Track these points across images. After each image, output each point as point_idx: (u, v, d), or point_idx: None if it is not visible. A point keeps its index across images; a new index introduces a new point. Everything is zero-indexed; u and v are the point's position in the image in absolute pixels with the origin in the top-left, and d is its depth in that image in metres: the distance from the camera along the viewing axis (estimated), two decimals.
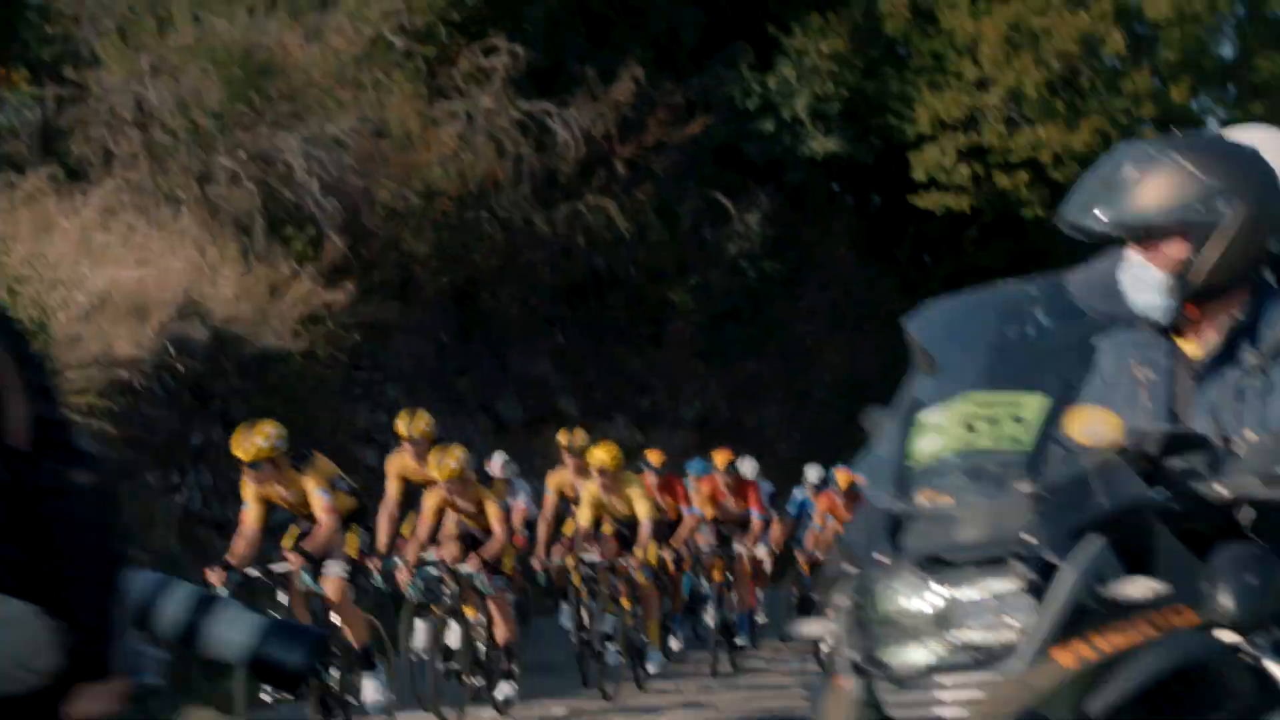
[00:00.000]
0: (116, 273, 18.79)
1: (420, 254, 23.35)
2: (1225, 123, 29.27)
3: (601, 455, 15.67)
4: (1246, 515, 3.98)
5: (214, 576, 12.46)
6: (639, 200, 26.29)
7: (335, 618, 13.19)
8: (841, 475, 19.12)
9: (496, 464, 18.88)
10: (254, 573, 12.77)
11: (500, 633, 14.61)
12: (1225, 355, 4.34)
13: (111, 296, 18.39)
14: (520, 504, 18.35)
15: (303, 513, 13.19)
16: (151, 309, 18.49)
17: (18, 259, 17.20)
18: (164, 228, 20.14)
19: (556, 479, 17.39)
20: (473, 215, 24.31)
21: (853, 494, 18.48)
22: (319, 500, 12.84)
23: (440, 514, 14.73)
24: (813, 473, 21.07)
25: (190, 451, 18.49)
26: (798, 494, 21.05)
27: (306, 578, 12.85)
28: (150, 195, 20.81)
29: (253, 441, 12.76)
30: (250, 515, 13.10)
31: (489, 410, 24.10)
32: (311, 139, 21.99)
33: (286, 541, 13.62)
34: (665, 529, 17.06)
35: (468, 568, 14.19)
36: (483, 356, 24.47)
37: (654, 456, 18.81)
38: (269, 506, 13.24)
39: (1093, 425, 3.91)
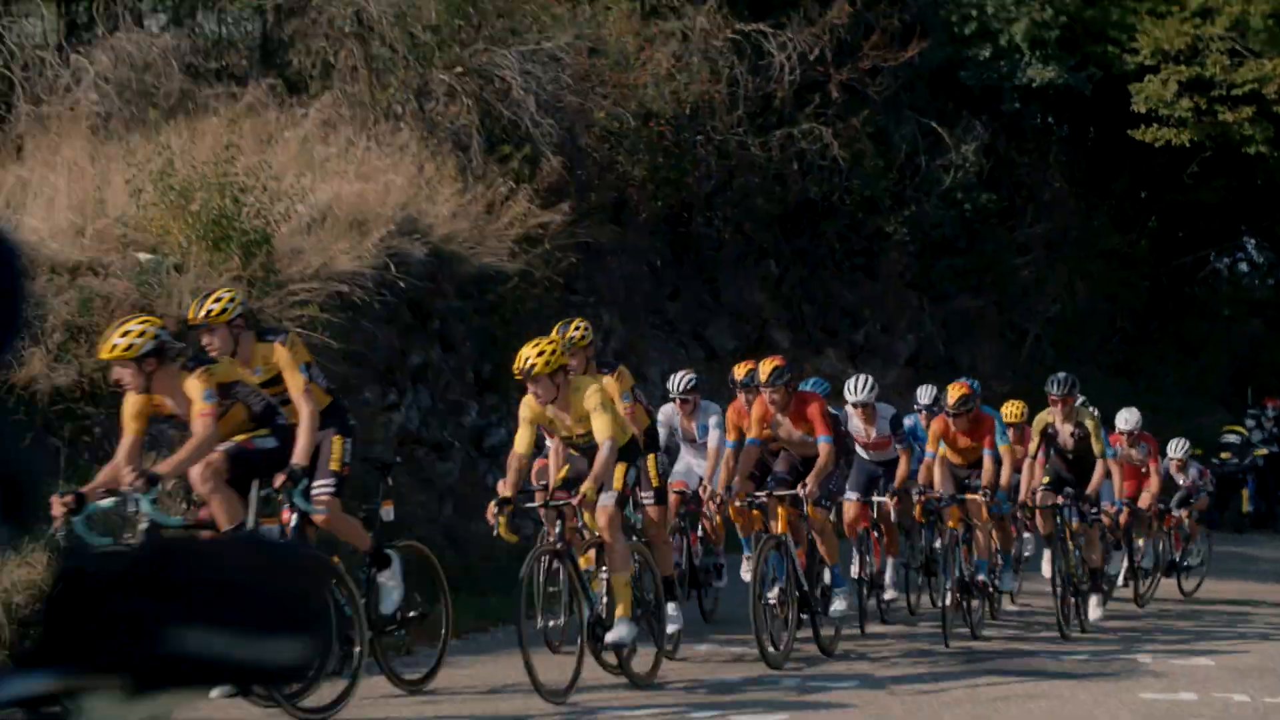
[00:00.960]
0: (337, 186, 18.61)
1: (635, 176, 22.91)
2: None
3: None
4: None
5: (56, 506, 10.60)
6: (853, 127, 25.67)
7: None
8: (953, 389, 17.08)
9: None
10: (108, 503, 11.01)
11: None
12: None
13: (332, 210, 18.20)
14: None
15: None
16: (371, 224, 18.27)
17: (242, 169, 17.06)
18: (383, 142, 19.92)
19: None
20: (687, 138, 23.84)
21: (969, 413, 16.80)
22: (199, 406, 11.09)
23: None
24: (924, 393, 18.61)
25: (409, 370, 18.25)
26: (908, 420, 17.93)
27: (148, 505, 10.88)
28: (369, 109, 20.56)
29: (111, 339, 11.15)
30: (125, 433, 11.39)
31: (700, 338, 23.69)
32: (528, 56, 21.62)
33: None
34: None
35: None
36: (695, 283, 24.06)
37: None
38: (150, 421, 11.53)
39: None
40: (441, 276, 18.97)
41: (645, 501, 14.25)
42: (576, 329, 14.18)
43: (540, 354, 12.72)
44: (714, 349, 23.58)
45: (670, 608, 14.37)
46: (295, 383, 11.90)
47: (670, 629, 14.39)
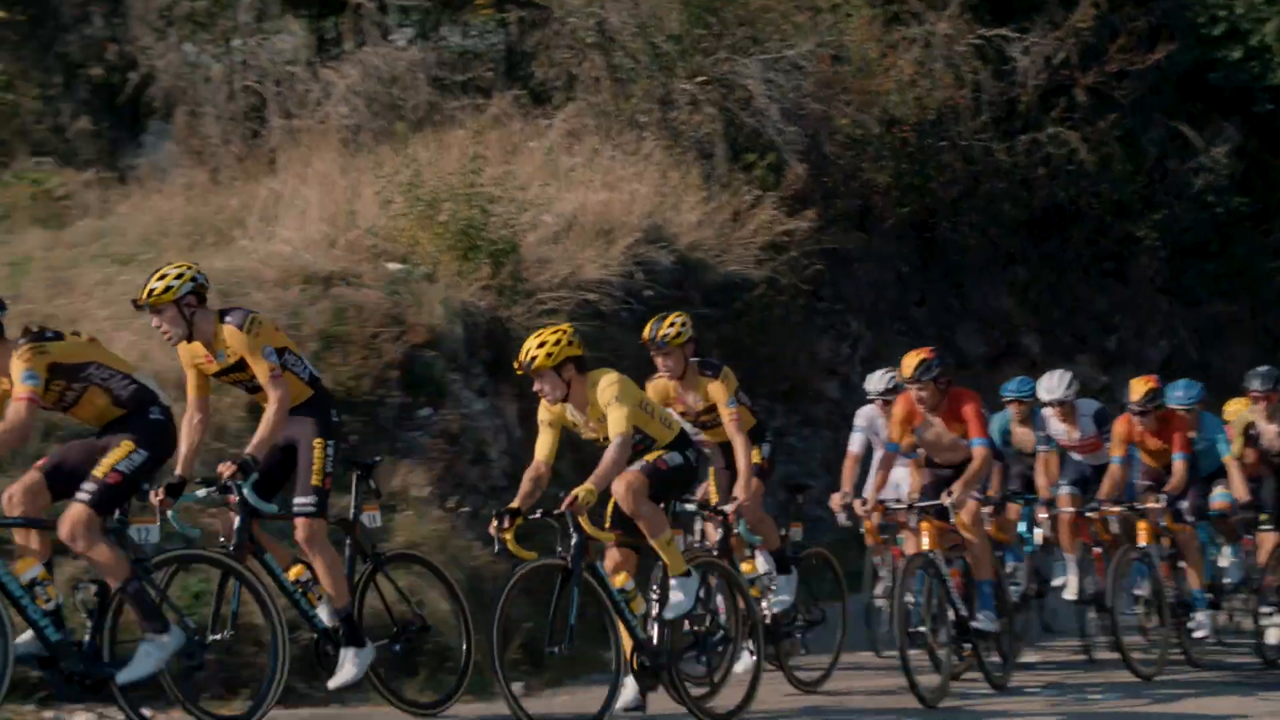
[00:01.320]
0: (583, 195, 18.67)
1: (880, 183, 22.65)
2: None
3: None
4: None
5: None
6: (1100, 130, 25.14)
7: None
8: (1137, 383, 15.20)
9: None
10: None
11: None
12: None
13: (579, 219, 18.26)
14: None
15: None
16: (617, 232, 18.31)
17: (489, 180, 17.18)
18: (627, 152, 19.93)
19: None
20: (931, 144, 23.50)
21: (1155, 409, 14.98)
22: (17, 388, 10.11)
23: None
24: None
25: None
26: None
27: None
28: (613, 119, 20.59)
29: None
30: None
31: (949, 344, 23.34)
32: (770, 64, 21.50)
33: None
34: None
35: None
36: (941, 289, 23.73)
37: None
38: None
39: None
40: (688, 284, 18.94)
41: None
42: (671, 325, 12.86)
43: (541, 345, 11.21)
44: (963, 355, 23.24)
45: (780, 580, 13.42)
46: (260, 369, 10.81)
47: (779, 601, 13.37)
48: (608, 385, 11.22)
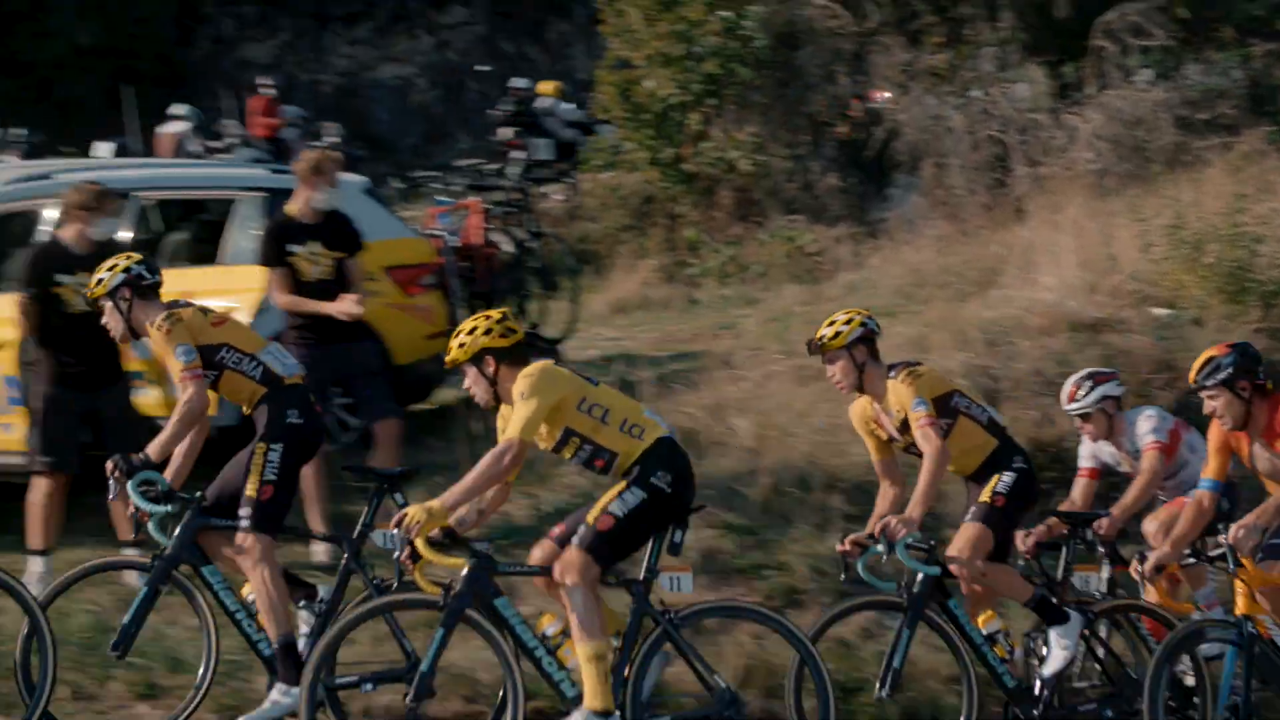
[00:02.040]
0: None
1: None
2: None
3: None
4: None
5: None
6: None
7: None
8: None
9: None
10: None
11: None
12: None
13: None
14: None
15: None
16: None
17: (1253, 218, 16.80)
18: None
19: None
20: None
21: None
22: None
23: None
24: None
25: None
26: None
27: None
28: None
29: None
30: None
31: None
32: None
33: None
34: None
35: None
36: None
37: None
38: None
39: None
40: None
41: None
42: (830, 324, 10.19)
43: (456, 335, 9.50)
44: None
45: (1054, 634, 10.23)
46: (172, 368, 9.84)
47: (1053, 658, 10.25)
48: (522, 377, 9.27)
